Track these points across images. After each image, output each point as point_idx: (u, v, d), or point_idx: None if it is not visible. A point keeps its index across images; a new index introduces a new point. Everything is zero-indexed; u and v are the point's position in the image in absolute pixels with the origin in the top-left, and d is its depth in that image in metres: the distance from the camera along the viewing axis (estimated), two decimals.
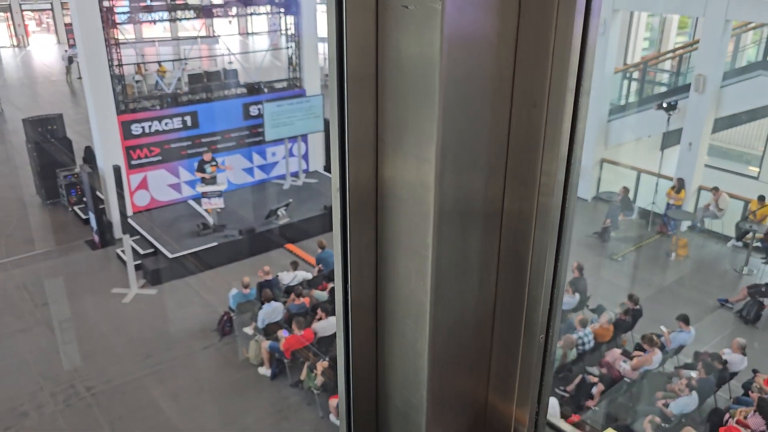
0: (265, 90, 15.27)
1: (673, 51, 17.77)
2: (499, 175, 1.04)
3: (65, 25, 34.96)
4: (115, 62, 13.10)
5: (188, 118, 14.20)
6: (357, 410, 1.21)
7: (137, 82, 24.73)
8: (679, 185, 14.09)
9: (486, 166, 1.01)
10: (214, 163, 13.42)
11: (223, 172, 14.33)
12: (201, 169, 13.36)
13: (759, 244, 12.90)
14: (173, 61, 18.39)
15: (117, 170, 11.29)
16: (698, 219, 13.79)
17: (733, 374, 9.07)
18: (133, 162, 13.77)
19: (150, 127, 13.78)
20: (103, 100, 13.14)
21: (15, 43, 35.94)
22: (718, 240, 13.91)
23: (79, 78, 25.66)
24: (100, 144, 13.51)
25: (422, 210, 0.97)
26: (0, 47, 34.76)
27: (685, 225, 14.11)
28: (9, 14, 35.27)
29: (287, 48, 15.51)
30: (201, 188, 13.16)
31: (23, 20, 36.26)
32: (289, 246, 13.59)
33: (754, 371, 9.02)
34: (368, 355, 1.17)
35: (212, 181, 13.26)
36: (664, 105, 13.74)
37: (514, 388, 1.19)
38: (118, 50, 13.21)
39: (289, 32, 15.34)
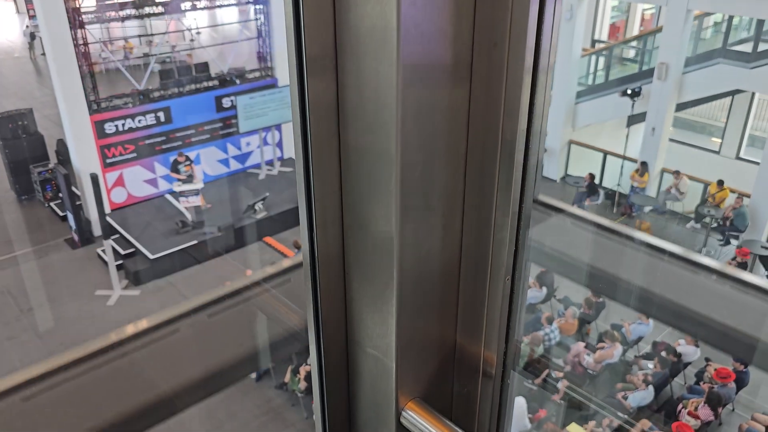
0: (237, 81, 15.30)
1: (637, 37, 18.07)
2: (462, 114, 1.04)
3: None
4: (80, 40, 12.83)
5: (161, 114, 14.24)
6: (328, 359, 1.23)
7: (104, 59, 24.39)
8: (643, 169, 14.63)
9: (447, 106, 1.02)
10: (188, 162, 13.58)
11: (199, 164, 14.52)
12: (175, 170, 13.51)
13: (716, 225, 13.57)
14: (147, 56, 18.13)
15: (95, 179, 11.43)
16: (660, 203, 14.39)
17: (688, 364, 9.79)
18: (108, 160, 13.85)
19: (123, 125, 13.82)
20: (72, 95, 13.07)
21: None
22: (679, 221, 14.56)
23: (43, 54, 25.10)
24: (74, 145, 13.55)
25: (385, 157, 0.99)
26: None
27: (647, 207, 14.72)
28: None
29: (258, 38, 15.48)
30: (178, 187, 13.34)
31: None
32: (268, 239, 13.93)
33: (707, 360, 9.75)
34: (337, 306, 1.19)
35: (188, 180, 13.44)
36: (629, 92, 14.14)
37: (481, 330, 1.21)
38: (83, 28, 12.94)
39: (259, 22, 15.28)
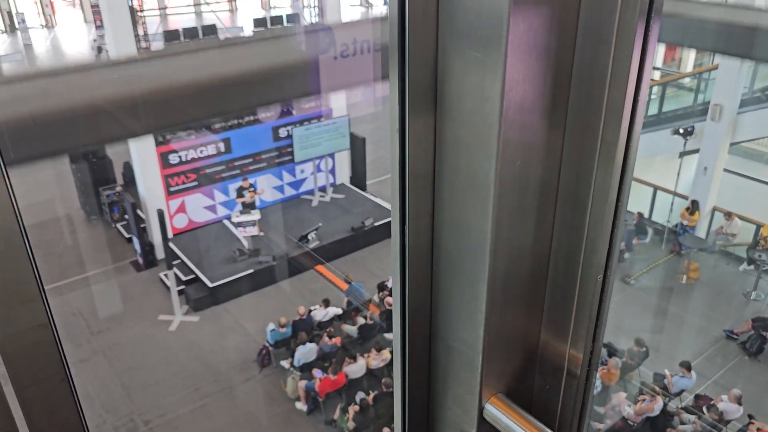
0: (294, 112, 15.89)
1: (692, 73, 17.87)
2: (560, 113, 1.04)
3: (92, 6, 35.28)
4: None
5: (222, 145, 14.95)
6: (411, 351, 1.25)
7: None
8: (693, 207, 14.58)
9: (547, 104, 1.02)
10: (252, 189, 14.32)
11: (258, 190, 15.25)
12: (240, 195, 14.25)
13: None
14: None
15: (161, 214, 12.18)
16: (710, 244, 14.33)
17: (729, 420, 9.88)
18: (172, 189, 14.64)
19: (186, 155, 14.58)
20: None
21: (44, 23, 36.51)
22: (729, 260, 14.46)
23: None
24: (141, 176, 14.39)
25: (485, 151, 0.99)
26: (30, 28, 35.32)
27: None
28: None
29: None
30: (237, 218, 14.05)
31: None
32: (319, 268, 14.50)
33: (750, 417, 9.82)
34: (423, 299, 1.20)
35: (251, 205, 14.17)
36: (681, 131, 14.11)
37: (568, 328, 1.20)
38: (148, 44, 13.72)
39: None
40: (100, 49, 28.50)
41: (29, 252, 1.22)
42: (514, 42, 0.91)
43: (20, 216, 1.18)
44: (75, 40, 34.06)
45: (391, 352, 10.84)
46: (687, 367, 10.32)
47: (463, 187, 1.05)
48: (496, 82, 0.93)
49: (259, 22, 15.27)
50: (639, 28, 0.92)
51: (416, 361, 1.26)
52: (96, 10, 33.20)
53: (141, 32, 14.19)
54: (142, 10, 13.91)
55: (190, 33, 13.99)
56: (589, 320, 1.16)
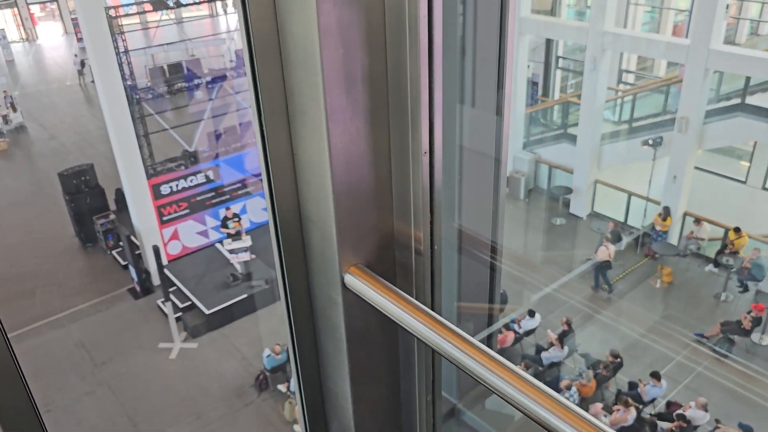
0: None
1: (662, 79, 18.47)
2: (380, 80, 1.28)
3: (72, 19, 35.26)
4: (127, 74, 13.93)
5: (210, 173, 15.45)
6: (284, 234, 1.42)
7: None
8: (665, 213, 15.26)
9: (366, 66, 1.24)
10: (236, 219, 14.80)
11: (245, 213, 15.73)
12: (224, 225, 14.77)
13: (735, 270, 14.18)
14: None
15: (156, 250, 12.71)
16: (682, 250, 15.03)
17: (697, 426, 10.63)
18: (165, 218, 15.14)
19: (177, 185, 15.07)
20: (131, 163, 14.37)
21: (24, 37, 36.51)
22: (701, 263, 15.18)
23: (92, 81, 26.55)
24: (134, 207, 14.88)
25: (313, 83, 1.20)
26: (11, 42, 35.35)
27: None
28: (16, 9, 35.67)
29: None
30: (229, 245, 14.58)
31: (29, 13, 36.66)
32: None
33: (717, 421, 10.57)
34: (288, 186, 1.37)
35: (237, 236, 14.67)
36: (650, 142, 14.75)
37: (410, 209, 1.36)
38: (128, 58, 14.08)
39: None
40: (83, 64, 28.66)
41: None
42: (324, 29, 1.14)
43: None
44: (57, 54, 34.07)
45: None
46: (657, 377, 11.03)
47: (304, 119, 1.28)
48: (312, 29, 1.15)
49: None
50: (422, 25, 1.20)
51: (289, 238, 1.43)
52: (76, 22, 33.24)
53: (121, 47, 14.47)
54: (120, 23, 14.10)
55: (175, 69, 14.44)
56: (424, 201, 1.33)
